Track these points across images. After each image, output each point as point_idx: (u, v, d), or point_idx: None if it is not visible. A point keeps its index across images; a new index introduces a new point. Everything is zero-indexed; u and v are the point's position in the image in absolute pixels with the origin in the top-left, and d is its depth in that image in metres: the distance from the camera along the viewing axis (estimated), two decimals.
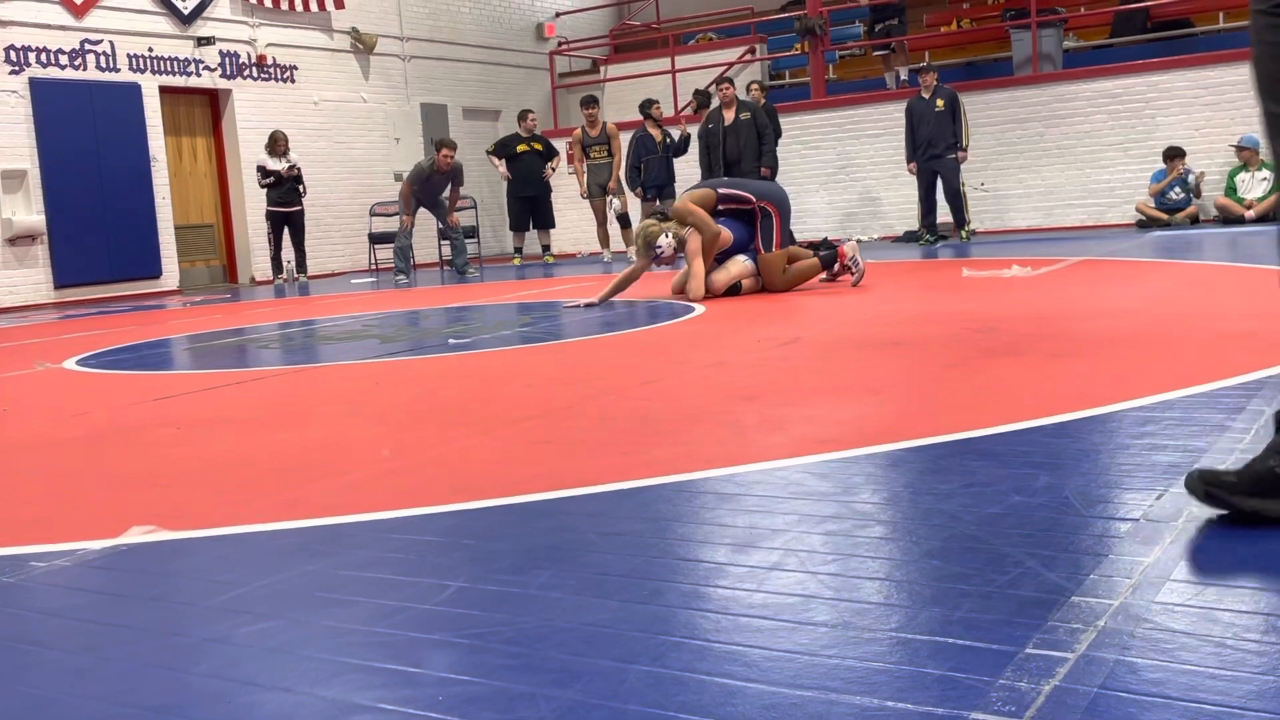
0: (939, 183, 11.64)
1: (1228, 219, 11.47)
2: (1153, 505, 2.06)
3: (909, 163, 11.76)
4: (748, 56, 15.80)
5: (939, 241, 11.71)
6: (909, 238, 12.36)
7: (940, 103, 11.49)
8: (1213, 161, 11.98)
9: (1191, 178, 11.80)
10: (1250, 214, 11.32)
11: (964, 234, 11.72)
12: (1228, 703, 1.28)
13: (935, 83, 11.63)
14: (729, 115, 11.58)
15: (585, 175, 12.73)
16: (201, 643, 1.71)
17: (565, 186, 14.73)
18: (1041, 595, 1.65)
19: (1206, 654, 1.42)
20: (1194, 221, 11.73)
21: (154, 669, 1.62)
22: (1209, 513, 1.99)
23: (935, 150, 11.50)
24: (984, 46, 14.87)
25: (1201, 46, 12.95)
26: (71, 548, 2.28)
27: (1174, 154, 11.80)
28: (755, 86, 12.69)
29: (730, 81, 11.93)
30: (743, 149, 11.47)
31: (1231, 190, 11.63)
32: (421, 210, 12.11)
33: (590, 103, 12.54)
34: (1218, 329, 4.19)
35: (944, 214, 12.07)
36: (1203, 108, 12.05)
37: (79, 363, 5.83)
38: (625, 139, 12.62)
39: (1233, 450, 2.40)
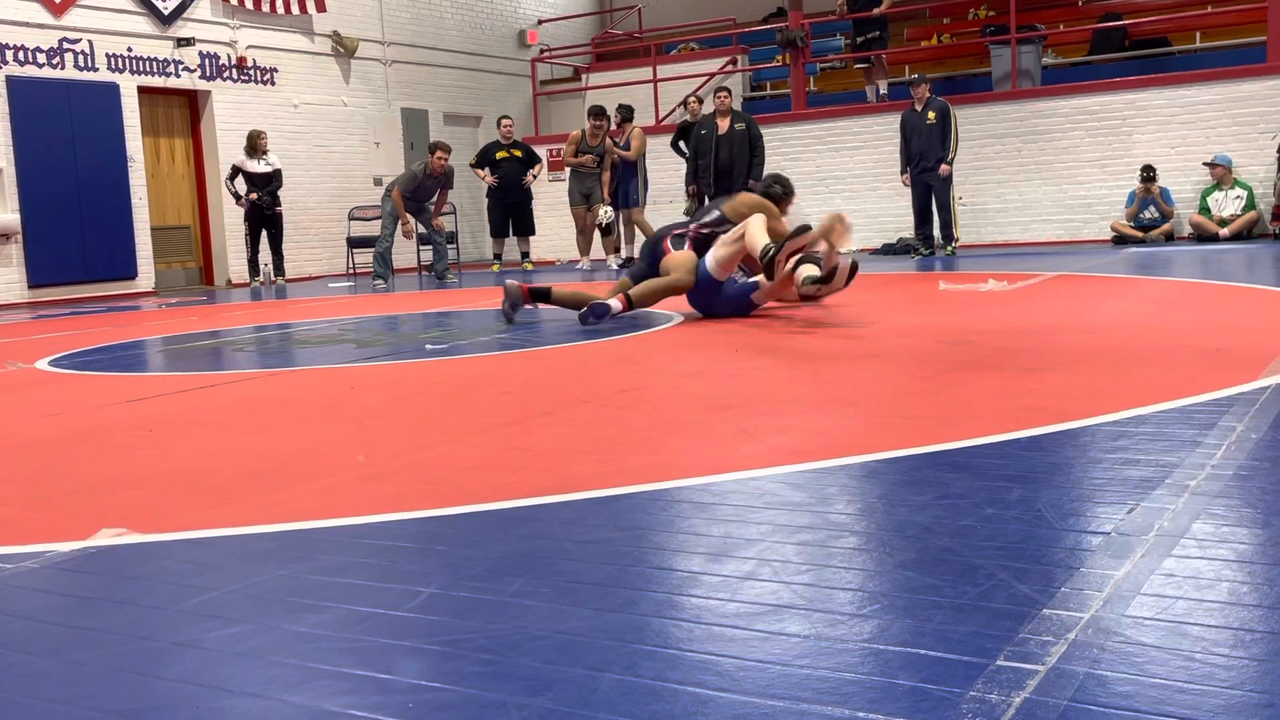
0: (932, 195, 11.54)
1: (1202, 236, 11.57)
2: (1124, 519, 2.07)
3: (901, 174, 11.71)
4: (729, 67, 15.86)
5: (933, 254, 11.66)
6: (886, 250, 12.40)
7: (932, 115, 11.34)
8: (1187, 179, 12.09)
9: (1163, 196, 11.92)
10: (1224, 232, 11.42)
11: (949, 249, 11.65)
12: (1196, 716, 1.29)
13: (928, 94, 11.48)
14: (723, 124, 11.61)
15: (569, 179, 12.79)
16: (171, 647, 1.69)
17: (545, 193, 14.73)
18: (1013, 608, 1.66)
19: (1176, 668, 1.43)
20: (1169, 239, 11.84)
21: (123, 673, 1.61)
22: (1181, 528, 2.00)
23: (927, 163, 11.38)
24: (964, 61, 14.97)
25: (1178, 65, 13.07)
26: (40, 549, 2.25)
27: (1147, 175, 11.90)
28: (694, 100, 12.77)
29: (728, 90, 11.97)
30: (734, 158, 11.51)
31: (1205, 209, 11.74)
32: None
33: (599, 114, 12.49)
34: (1191, 345, 4.23)
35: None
36: (1179, 126, 12.16)
37: (52, 363, 5.78)
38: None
39: (1204, 466, 2.42)
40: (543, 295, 6.57)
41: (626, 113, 12.78)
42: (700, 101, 12.98)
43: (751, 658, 1.53)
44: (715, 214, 6.40)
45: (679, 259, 6.21)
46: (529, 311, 7.01)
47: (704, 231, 6.34)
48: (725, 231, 6.22)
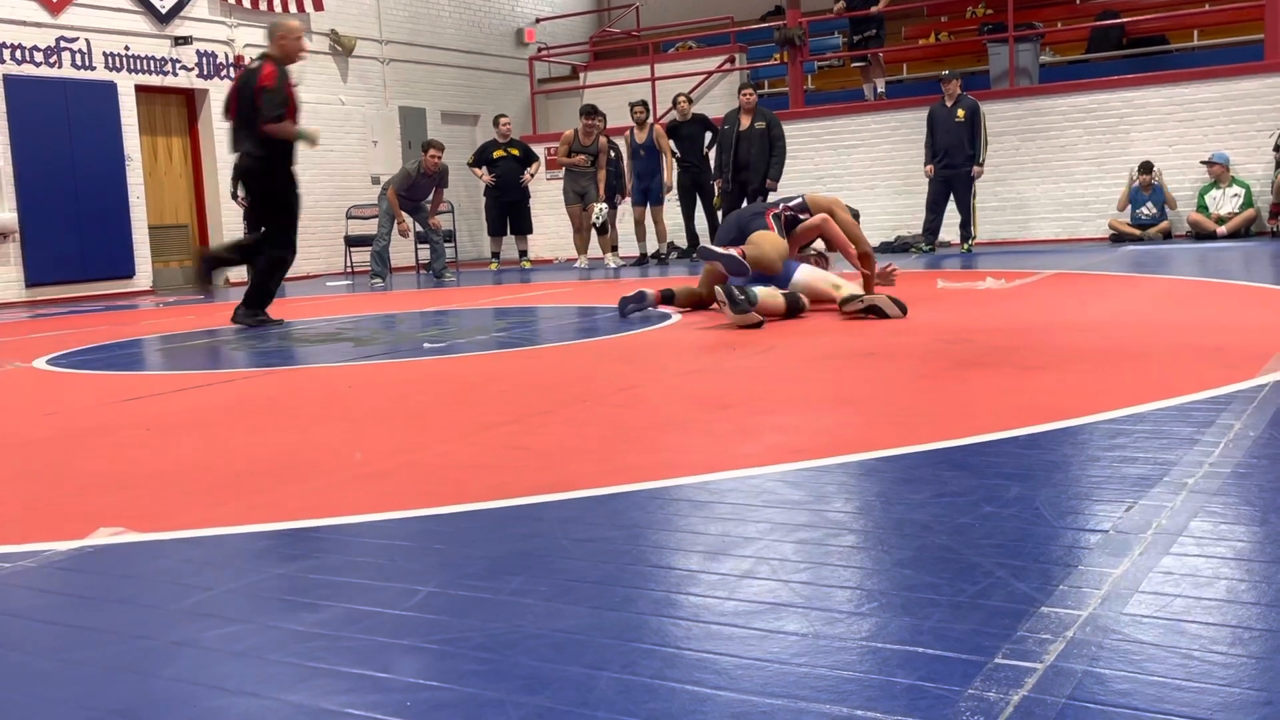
0: (951, 193, 11.59)
1: (1200, 234, 11.58)
2: (1122, 517, 2.07)
3: (925, 165, 11.75)
4: (727, 65, 15.85)
5: (934, 250, 11.71)
6: (885, 248, 12.42)
7: (961, 113, 11.39)
8: (1185, 178, 12.10)
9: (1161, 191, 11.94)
10: (1222, 230, 11.43)
11: (966, 246, 11.67)
12: (1195, 714, 1.29)
13: (959, 91, 11.51)
14: (745, 121, 11.69)
15: (563, 179, 12.80)
16: (168, 646, 1.69)
17: (543, 192, 14.72)
18: (1011, 606, 1.66)
19: (1174, 665, 1.43)
20: (1166, 237, 11.84)
21: (120, 672, 1.60)
22: (1179, 526, 2.00)
23: (952, 160, 11.42)
24: (961, 59, 14.96)
25: (1176, 63, 13.08)
26: (37, 549, 2.25)
27: (1143, 169, 11.92)
28: (683, 99, 12.78)
29: (752, 88, 12.01)
30: (753, 155, 11.57)
31: (1203, 207, 11.75)
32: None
33: (590, 113, 12.52)
34: (1188, 343, 4.23)
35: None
36: (1176, 124, 12.17)
37: (49, 362, 5.78)
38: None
39: (1202, 463, 2.42)
40: (669, 298, 6.59)
41: (646, 110, 12.79)
42: (690, 101, 12.97)
43: (750, 656, 1.53)
44: (799, 200, 6.55)
45: (774, 243, 6.14)
46: (526, 310, 7.00)
47: (788, 213, 6.45)
48: (806, 219, 6.42)
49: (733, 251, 5.91)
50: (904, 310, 5.70)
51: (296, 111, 7.00)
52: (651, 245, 13.15)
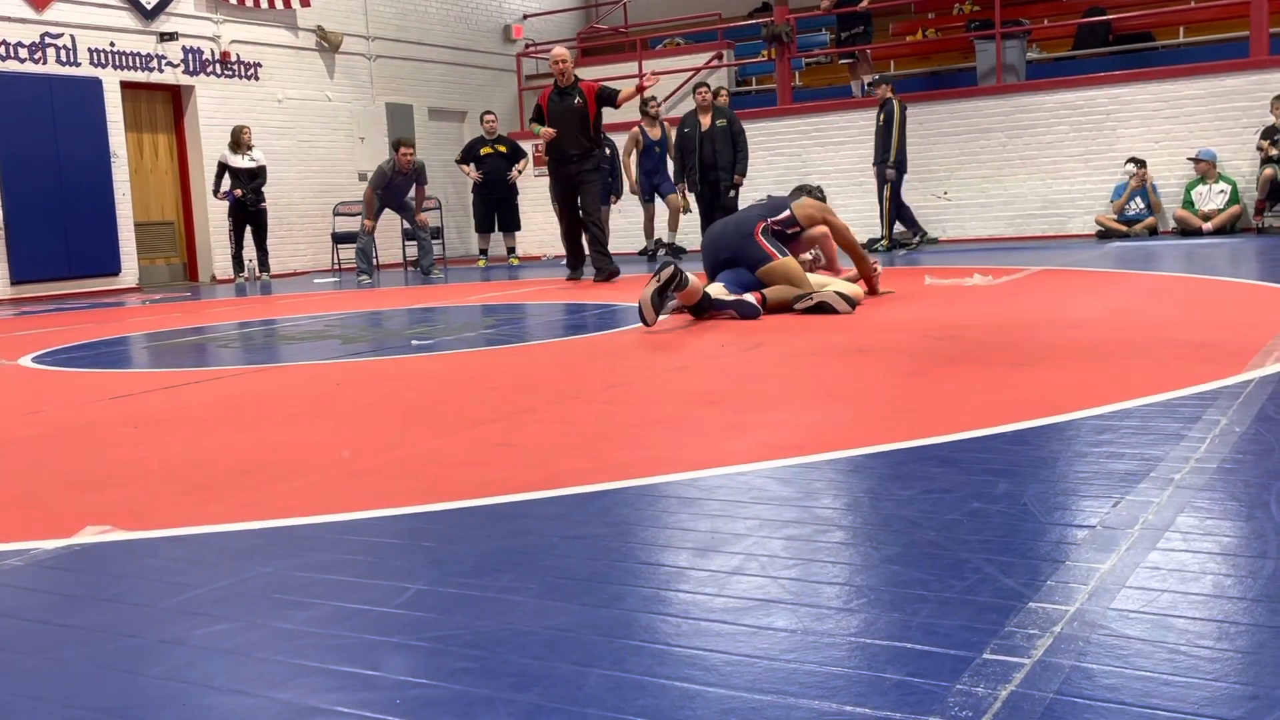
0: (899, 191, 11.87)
1: (1186, 231, 11.63)
2: (1110, 513, 2.08)
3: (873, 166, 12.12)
4: (715, 62, 15.85)
5: (930, 242, 11.94)
6: (870, 245, 12.44)
7: (882, 117, 11.72)
8: (1171, 174, 12.14)
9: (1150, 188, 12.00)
10: (1208, 226, 11.48)
11: (879, 244, 11.80)
12: (1181, 709, 1.30)
13: (886, 95, 11.71)
14: (705, 120, 11.62)
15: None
16: (156, 644, 1.69)
17: (531, 189, 14.70)
18: (999, 601, 1.66)
19: (1161, 660, 1.43)
20: (1153, 233, 11.89)
21: (108, 671, 1.60)
22: (1165, 521, 2.01)
23: (875, 161, 11.86)
24: (949, 56, 15.00)
25: (1162, 60, 13.12)
26: (24, 547, 2.24)
27: (1139, 164, 11.98)
28: (723, 91, 12.75)
29: (707, 86, 11.96)
30: (718, 154, 11.53)
31: (1189, 203, 11.80)
32: (386, 211, 12.05)
33: None
34: (1175, 339, 4.24)
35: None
36: (1163, 120, 12.21)
37: (35, 360, 5.75)
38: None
39: (1188, 459, 2.43)
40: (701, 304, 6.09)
41: (659, 106, 12.76)
42: (710, 90, 12.93)
43: (739, 652, 1.53)
44: (786, 214, 6.32)
45: (787, 273, 5.98)
46: (514, 307, 6.99)
47: (776, 228, 6.30)
48: (796, 233, 6.31)
49: (748, 298, 5.76)
50: (853, 306, 5.74)
51: (561, 116, 9.10)
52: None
